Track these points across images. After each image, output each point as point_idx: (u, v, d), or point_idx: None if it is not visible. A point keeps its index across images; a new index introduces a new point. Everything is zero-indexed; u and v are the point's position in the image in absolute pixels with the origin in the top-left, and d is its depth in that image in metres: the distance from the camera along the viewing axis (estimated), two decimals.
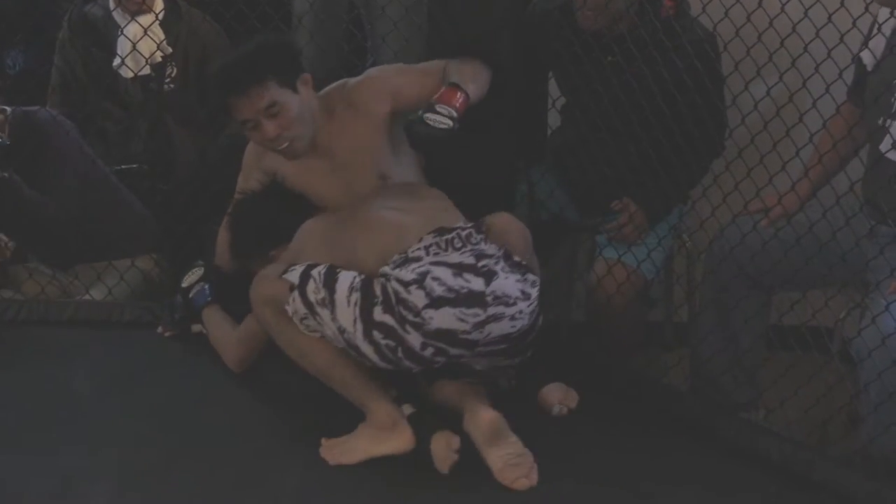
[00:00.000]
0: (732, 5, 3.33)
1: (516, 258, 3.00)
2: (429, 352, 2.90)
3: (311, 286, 2.95)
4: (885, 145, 3.27)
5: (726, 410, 3.41)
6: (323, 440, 2.99)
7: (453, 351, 2.91)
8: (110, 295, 3.85)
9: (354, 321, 2.90)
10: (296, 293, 2.97)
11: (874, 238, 3.30)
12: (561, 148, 3.94)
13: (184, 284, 3.52)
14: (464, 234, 2.97)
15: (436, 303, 2.86)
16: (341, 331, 2.92)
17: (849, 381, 3.33)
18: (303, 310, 2.97)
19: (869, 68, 3.37)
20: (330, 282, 2.94)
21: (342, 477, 2.94)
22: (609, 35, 3.63)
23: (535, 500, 2.86)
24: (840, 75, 3.19)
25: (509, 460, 2.86)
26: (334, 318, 2.92)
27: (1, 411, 3.20)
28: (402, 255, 2.94)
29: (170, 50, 4.15)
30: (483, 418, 2.90)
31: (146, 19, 4.07)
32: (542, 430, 3.08)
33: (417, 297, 2.86)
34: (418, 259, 2.92)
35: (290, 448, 3.05)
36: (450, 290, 2.87)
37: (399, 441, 2.95)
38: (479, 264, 2.92)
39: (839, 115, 3.40)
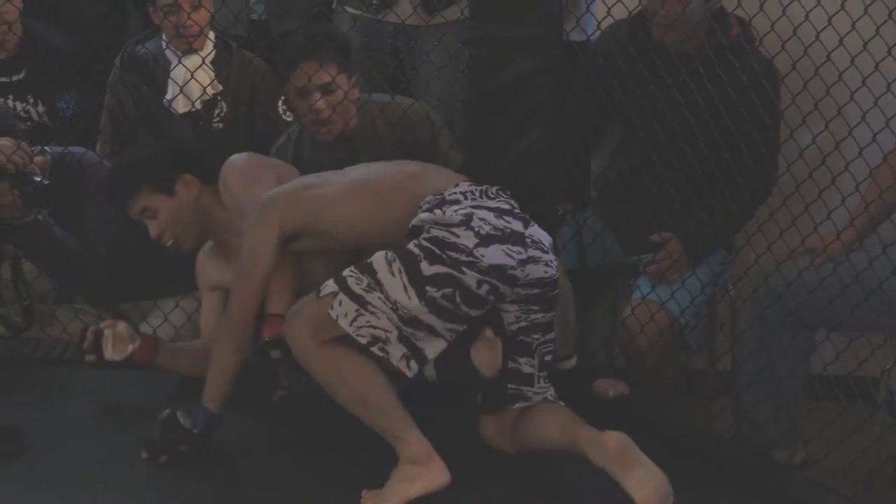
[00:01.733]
0: (788, 38, 3.27)
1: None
2: (484, 289, 2.90)
3: (351, 281, 2.91)
4: None
5: (765, 451, 3.38)
6: (364, 493, 2.94)
7: (502, 287, 2.92)
8: (154, 333, 3.76)
9: (405, 288, 2.88)
10: (340, 295, 2.90)
11: None
12: (610, 185, 3.92)
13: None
14: (495, 188, 3.08)
15: (485, 240, 2.90)
16: (396, 308, 2.88)
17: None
18: (352, 308, 2.90)
19: None
20: (366, 268, 2.92)
21: None
22: (676, 54, 3.60)
23: None
24: (887, 124, 3.10)
25: (648, 482, 2.79)
26: (387, 297, 2.88)
27: (46, 448, 3.21)
28: (438, 196, 3.00)
29: (220, 88, 4.14)
30: (609, 442, 2.85)
31: (197, 57, 4.08)
32: (582, 475, 3.00)
33: (467, 238, 2.89)
34: (457, 202, 2.98)
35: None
36: (496, 228, 2.93)
37: (435, 475, 2.90)
38: (517, 210, 3.04)
39: (886, 164, 3.36)
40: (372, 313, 2.88)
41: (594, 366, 3.92)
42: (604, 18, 3.65)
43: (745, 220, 3.67)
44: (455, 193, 3.01)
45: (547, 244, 3.02)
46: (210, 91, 4.07)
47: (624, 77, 3.65)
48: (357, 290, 2.89)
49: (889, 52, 3.02)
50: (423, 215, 2.96)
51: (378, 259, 2.91)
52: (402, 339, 2.90)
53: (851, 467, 3.24)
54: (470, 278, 2.87)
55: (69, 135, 3.95)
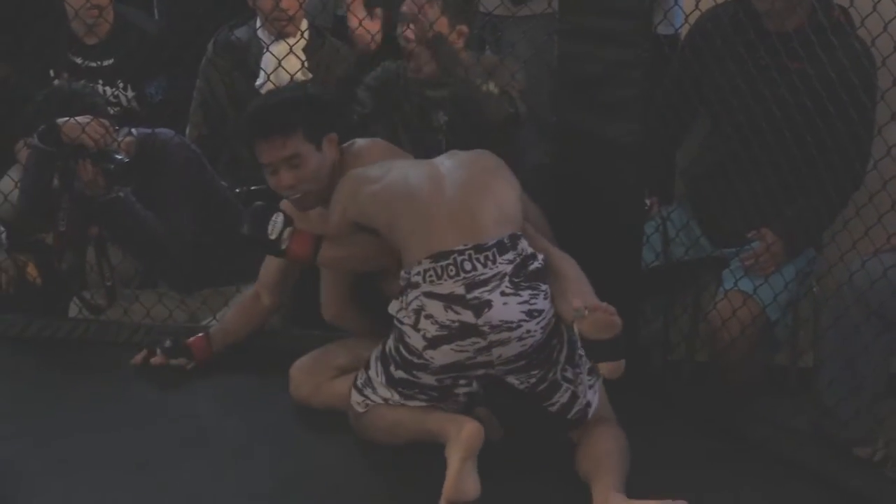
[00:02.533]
0: (892, 19, 3.20)
1: (533, 266, 2.95)
2: (447, 382, 2.96)
3: (359, 378, 3.11)
4: None
5: (845, 447, 3.35)
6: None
7: (471, 373, 2.95)
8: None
9: (386, 388, 3.04)
10: (353, 391, 3.12)
11: None
12: (698, 179, 3.88)
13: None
14: (460, 259, 2.91)
15: (433, 343, 2.91)
16: (386, 400, 3.05)
17: None
18: (359, 398, 3.10)
19: None
20: (366, 364, 3.11)
21: None
22: (777, 33, 3.55)
23: None
24: None
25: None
26: (378, 394, 3.06)
27: (130, 430, 3.25)
28: (406, 276, 2.96)
29: (310, 75, 4.14)
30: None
31: (290, 41, 4.09)
32: (663, 471, 3.04)
33: (416, 341, 2.92)
34: (416, 286, 2.93)
35: None
36: (441, 327, 2.89)
37: (464, 431, 2.89)
38: (470, 296, 2.89)
39: None
40: (374, 402, 3.08)
41: (676, 361, 3.90)
42: (692, 12, 3.64)
43: (841, 207, 3.60)
44: (417, 275, 2.93)
45: (517, 319, 2.89)
46: (300, 77, 4.05)
47: (722, 59, 3.61)
48: (359, 383, 3.11)
49: None
50: (393, 305, 3.00)
51: (373, 356, 3.08)
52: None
53: None
54: (427, 379, 2.96)
55: (157, 120, 3.96)
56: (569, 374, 3.00)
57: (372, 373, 3.06)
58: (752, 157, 3.59)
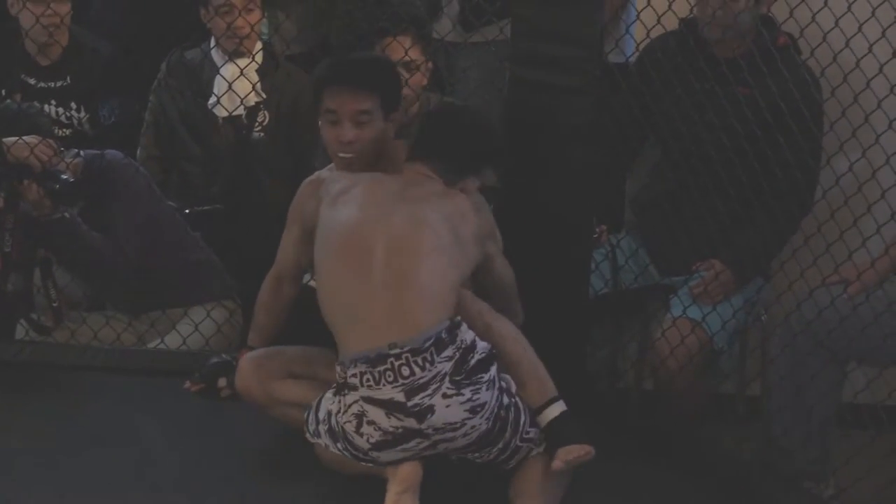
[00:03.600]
0: (840, 50, 3.21)
1: (475, 360, 2.84)
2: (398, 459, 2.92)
3: (310, 418, 3.03)
4: None
5: (795, 480, 3.36)
6: None
7: (420, 456, 2.89)
8: (184, 345, 3.82)
9: (334, 446, 2.97)
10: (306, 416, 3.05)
11: None
12: (646, 207, 3.89)
13: None
14: (398, 364, 2.80)
15: (377, 446, 2.86)
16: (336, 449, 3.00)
17: None
18: (309, 429, 3.04)
19: None
20: (317, 411, 3.01)
21: None
22: (725, 59, 3.58)
23: None
24: None
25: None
26: (325, 444, 2.99)
27: (74, 455, 3.21)
28: (343, 374, 2.86)
29: (264, 95, 4.17)
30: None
31: (243, 62, 4.14)
32: (607, 496, 3.07)
33: (361, 442, 2.88)
34: (354, 388, 2.84)
35: None
36: (385, 433, 2.84)
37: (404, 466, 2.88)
38: (410, 403, 2.80)
39: None
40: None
41: (624, 389, 3.90)
42: (643, 40, 3.64)
43: (784, 243, 3.61)
44: (353, 377, 2.83)
45: (460, 419, 2.80)
46: (253, 98, 4.09)
47: (671, 85, 3.63)
48: (310, 427, 3.02)
49: None
50: (328, 400, 2.93)
51: (323, 408, 2.97)
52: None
53: (881, 496, 3.17)
54: (376, 463, 2.91)
55: (108, 142, 3.98)
56: (530, 435, 2.94)
57: (320, 427, 2.97)
58: (701, 186, 3.60)
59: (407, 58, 3.67)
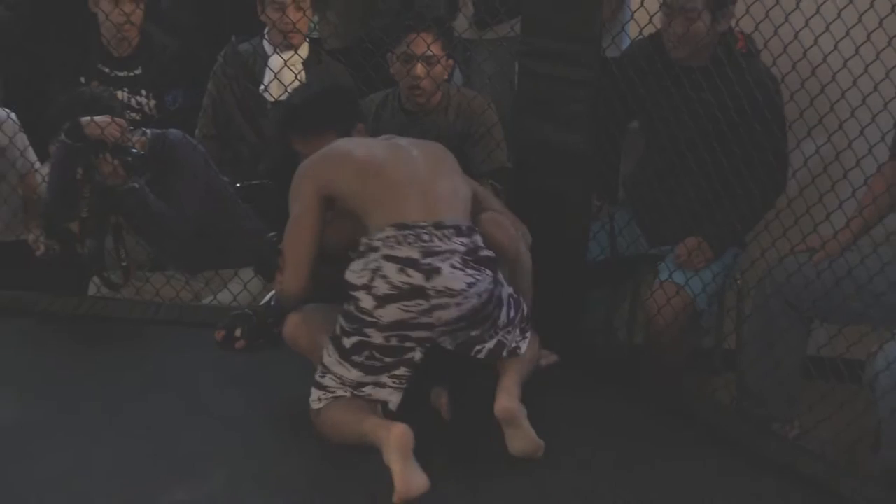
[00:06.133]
0: (800, 59, 3.33)
1: (484, 254, 3.02)
2: (393, 341, 2.98)
3: (317, 371, 3.09)
4: None
5: (765, 423, 3.44)
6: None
7: (414, 334, 2.98)
8: (235, 301, 3.91)
9: (340, 364, 3.03)
10: (314, 387, 3.09)
11: None
12: (639, 184, 3.96)
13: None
14: (420, 231, 2.97)
15: (382, 301, 2.93)
16: (343, 381, 3.03)
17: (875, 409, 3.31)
18: (319, 392, 3.07)
19: None
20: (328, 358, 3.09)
21: None
22: (695, 66, 3.65)
23: None
24: (882, 138, 3.21)
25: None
26: (335, 375, 3.04)
27: (134, 400, 3.27)
28: (368, 242, 2.99)
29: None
30: (497, 407, 2.96)
31: (290, 54, 4.22)
32: (596, 434, 3.13)
33: (367, 301, 2.95)
34: (376, 249, 2.97)
35: None
36: (393, 286, 2.93)
37: (392, 434, 2.85)
38: (423, 261, 2.94)
39: (880, 174, 3.39)
40: (332, 391, 3.04)
41: (617, 343, 4.00)
42: (636, 37, 3.73)
43: (759, 218, 3.72)
44: (378, 240, 2.97)
45: (458, 288, 2.93)
46: (297, 83, 4.12)
47: (647, 87, 3.68)
48: (317, 378, 3.07)
49: (887, 74, 3.09)
50: (352, 266, 3.00)
51: (327, 344, 3.07)
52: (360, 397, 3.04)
53: (838, 438, 3.29)
54: (376, 337, 2.97)
55: (171, 124, 4.02)
56: (506, 333, 3.06)
57: (326, 358, 3.06)
58: (685, 168, 3.68)
59: (429, 52, 3.79)
